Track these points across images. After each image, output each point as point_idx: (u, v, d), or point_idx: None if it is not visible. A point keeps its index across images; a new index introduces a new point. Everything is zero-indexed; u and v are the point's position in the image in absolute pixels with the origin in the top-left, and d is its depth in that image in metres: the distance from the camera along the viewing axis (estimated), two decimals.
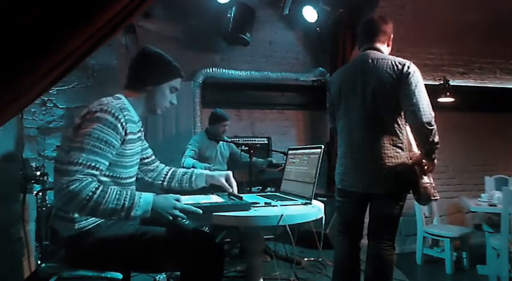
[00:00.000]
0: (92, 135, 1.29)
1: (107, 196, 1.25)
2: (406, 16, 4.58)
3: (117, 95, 1.50)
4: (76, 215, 1.37)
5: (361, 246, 2.11)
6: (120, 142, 1.38)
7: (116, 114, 1.35)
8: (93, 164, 1.28)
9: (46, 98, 3.01)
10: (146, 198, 1.31)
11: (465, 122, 4.94)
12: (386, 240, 1.96)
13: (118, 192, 1.28)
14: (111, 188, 1.28)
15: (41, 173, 2.36)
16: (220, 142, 3.55)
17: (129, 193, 1.30)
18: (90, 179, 1.25)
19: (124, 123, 1.38)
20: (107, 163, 1.34)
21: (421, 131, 1.82)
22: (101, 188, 1.25)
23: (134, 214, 1.27)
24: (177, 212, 1.33)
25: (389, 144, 1.90)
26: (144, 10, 2.71)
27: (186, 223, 1.66)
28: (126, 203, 1.27)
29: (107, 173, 1.38)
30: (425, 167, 1.90)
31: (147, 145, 1.75)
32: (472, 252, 3.96)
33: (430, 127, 1.79)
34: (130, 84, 1.55)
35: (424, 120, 1.78)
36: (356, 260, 2.08)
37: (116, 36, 3.03)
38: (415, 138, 1.95)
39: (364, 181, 1.94)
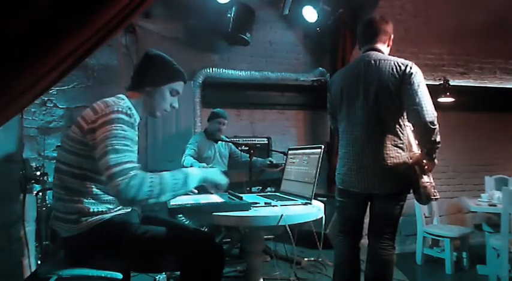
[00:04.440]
0: (118, 136, 1.30)
1: (161, 177, 1.30)
2: (406, 16, 4.59)
3: (119, 96, 1.50)
4: (75, 216, 1.37)
5: (361, 246, 2.12)
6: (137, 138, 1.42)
7: (128, 112, 1.38)
8: (130, 159, 1.29)
9: (46, 98, 3.01)
10: (192, 169, 1.44)
11: (465, 122, 4.94)
12: (386, 240, 1.96)
13: (166, 172, 1.34)
14: (158, 173, 1.32)
15: (41, 173, 2.36)
16: (219, 142, 3.55)
17: (176, 171, 1.38)
18: (139, 171, 1.27)
19: (134, 121, 1.42)
20: (136, 159, 1.36)
21: (424, 131, 1.82)
22: (152, 174, 1.29)
23: (192, 183, 1.39)
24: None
25: (391, 144, 1.91)
26: (144, 10, 2.71)
27: (186, 222, 1.66)
28: (181, 176, 1.36)
29: None
30: (425, 167, 1.90)
31: None
32: (472, 252, 3.96)
33: (432, 126, 1.80)
34: (132, 85, 1.57)
35: (427, 119, 1.79)
36: (356, 260, 2.08)
37: (116, 36, 3.04)
38: (416, 138, 1.96)
39: (365, 181, 1.94)
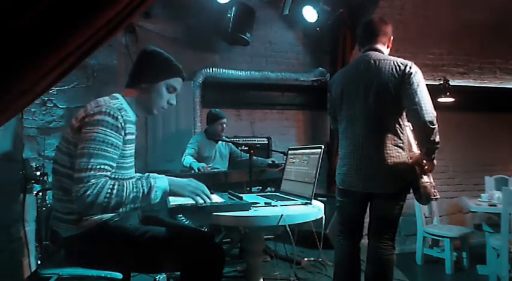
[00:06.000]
0: (97, 140, 1.29)
1: (125, 188, 1.29)
2: (406, 16, 4.58)
3: (114, 95, 1.49)
4: (74, 216, 1.37)
5: (361, 246, 2.12)
6: (122, 142, 1.38)
7: (115, 115, 1.35)
8: (103, 167, 1.29)
9: (46, 98, 3.02)
10: (161, 179, 1.40)
11: (465, 122, 4.95)
12: (386, 240, 1.96)
13: (133, 182, 1.33)
14: (126, 181, 1.32)
15: (41, 173, 2.36)
16: (219, 142, 3.55)
17: (144, 180, 1.36)
18: (104, 179, 1.27)
19: (123, 124, 1.37)
20: (114, 165, 1.35)
21: (423, 130, 1.83)
22: (117, 184, 1.28)
23: (155, 196, 1.34)
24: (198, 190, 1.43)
25: (391, 144, 1.91)
26: (144, 10, 2.71)
27: (186, 223, 1.66)
28: (145, 188, 1.33)
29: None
30: (425, 167, 1.90)
31: None
32: (472, 252, 3.96)
33: (432, 126, 1.80)
34: (129, 82, 1.54)
35: (427, 119, 1.79)
36: (356, 260, 2.08)
37: (116, 36, 3.04)
38: (416, 138, 1.96)
39: (366, 180, 1.94)
